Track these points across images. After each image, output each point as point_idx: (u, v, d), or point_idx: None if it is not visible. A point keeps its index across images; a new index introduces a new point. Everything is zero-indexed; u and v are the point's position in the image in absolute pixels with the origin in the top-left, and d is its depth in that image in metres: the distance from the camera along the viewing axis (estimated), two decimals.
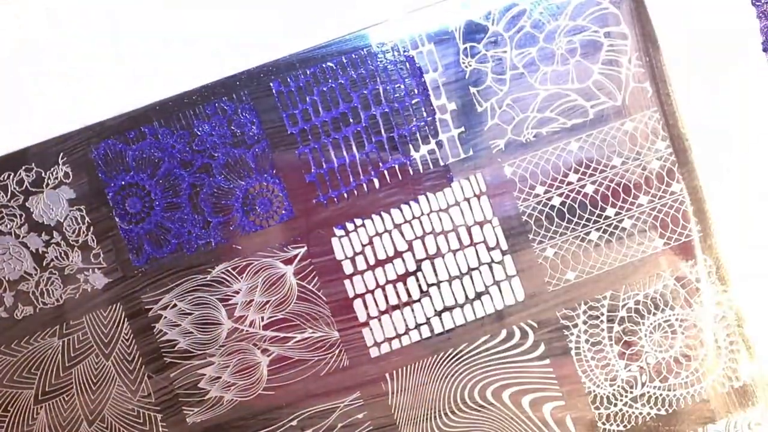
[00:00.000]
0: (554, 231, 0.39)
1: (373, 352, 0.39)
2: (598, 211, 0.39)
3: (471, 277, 0.39)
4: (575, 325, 0.39)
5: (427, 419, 0.39)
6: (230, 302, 0.39)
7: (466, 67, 0.39)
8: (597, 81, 0.39)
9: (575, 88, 0.39)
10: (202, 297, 0.39)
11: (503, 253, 0.39)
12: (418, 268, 0.39)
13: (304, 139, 0.39)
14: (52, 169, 0.38)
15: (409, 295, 0.39)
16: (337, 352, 0.39)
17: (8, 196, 0.38)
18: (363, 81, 0.39)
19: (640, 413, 0.40)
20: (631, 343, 0.40)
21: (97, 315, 0.39)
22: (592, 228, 0.39)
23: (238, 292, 0.39)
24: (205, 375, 0.39)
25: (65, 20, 0.39)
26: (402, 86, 0.39)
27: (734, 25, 0.41)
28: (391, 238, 0.39)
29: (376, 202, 0.39)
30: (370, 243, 0.39)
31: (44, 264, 0.39)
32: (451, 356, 0.39)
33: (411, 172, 0.39)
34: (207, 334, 0.39)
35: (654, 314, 0.40)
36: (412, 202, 0.39)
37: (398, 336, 0.39)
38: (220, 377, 0.39)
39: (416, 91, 0.39)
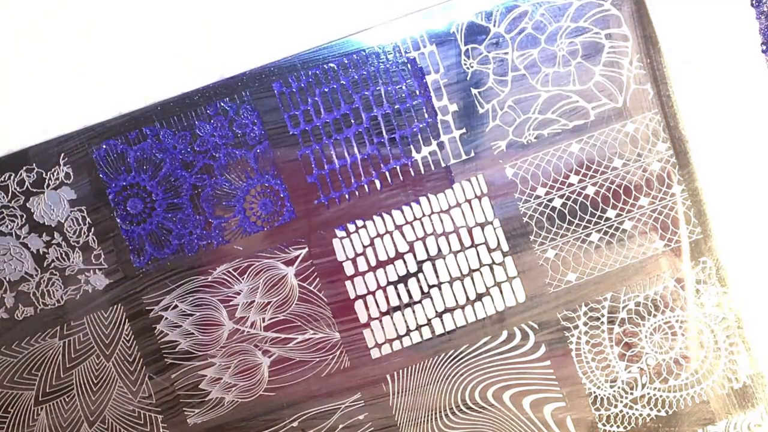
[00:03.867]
0: (555, 232, 0.39)
1: (374, 354, 0.39)
2: (598, 213, 0.39)
3: (472, 279, 0.39)
4: (576, 327, 0.39)
5: (428, 420, 0.39)
6: (231, 303, 0.39)
7: (468, 68, 0.39)
8: (598, 82, 0.39)
9: (576, 89, 0.39)
10: (203, 298, 0.39)
11: (504, 254, 0.39)
12: (419, 270, 0.39)
13: (305, 140, 0.39)
14: (53, 170, 0.38)
15: (410, 297, 0.39)
16: (338, 353, 0.39)
17: (9, 197, 0.38)
18: (364, 82, 0.39)
19: (640, 414, 0.40)
20: (631, 345, 0.40)
21: (98, 316, 0.39)
22: (592, 229, 0.39)
23: (239, 293, 0.39)
24: (206, 376, 0.39)
25: (66, 20, 0.39)
26: (403, 87, 0.39)
27: (734, 26, 0.41)
28: (392, 239, 0.39)
29: (377, 203, 0.39)
30: (372, 244, 0.39)
31: (45, 265, 0.39)
32: (452, 357, 0.39)
33: (412, 174, 0.39)
34: (208, 336, 0.39)
35: (654, 316, 0.40)
36: (413, 203, 0.39)
37: (399, 337, 0.39)
38: (221, 378, 0.39)
39: (418, 92, 0.39)
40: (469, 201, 0.39)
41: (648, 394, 0.40)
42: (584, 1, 0.39)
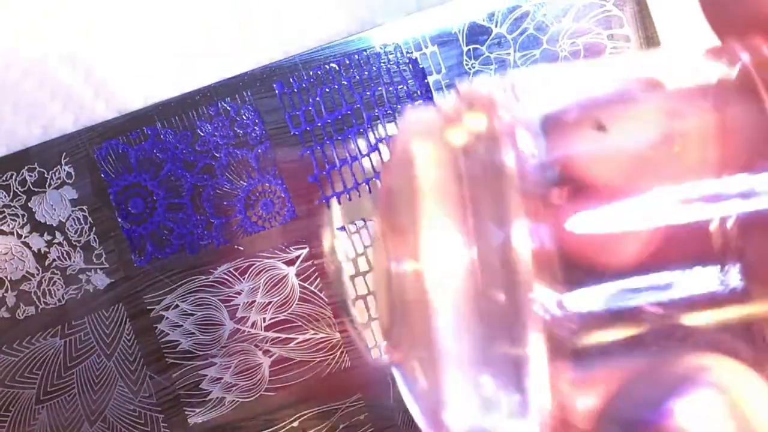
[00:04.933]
0: None
1: (375, 354, 0.39)
2: None
3: None
4: None
5: None
6: (232, 303, 0.39)
7: (470, 69, 0.39)
8: None
9: None
10: (204, 298, 0.39)
11: None
12: None
13: (306, 140, 0.39)
14: (54, 169, 0.38)
15: None
16: (338, 353, 0.39)
17: (11, 196, 0.38)
18: (366, 82, 0.39)
19: None
20: None
21: (99, 315, 0.39)
22: None
23: (240, 293, 0.39)
24: (206, 376, 0.39)
25: (66, 20, 0.39)
26: (405, 88, 0.39)
27: None
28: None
29: (377, 204, 0.39)
30: (372, 244, 0.39)
31: (46, 264, 0.39)
32: None
33: None
34: (209, 335, 0.39)
35: None
36: None
37: None
38: (221, 378, 0.39)
39: (419, 92, 0.39)
40: None
41: None
42: (586, 1, 0.39)
